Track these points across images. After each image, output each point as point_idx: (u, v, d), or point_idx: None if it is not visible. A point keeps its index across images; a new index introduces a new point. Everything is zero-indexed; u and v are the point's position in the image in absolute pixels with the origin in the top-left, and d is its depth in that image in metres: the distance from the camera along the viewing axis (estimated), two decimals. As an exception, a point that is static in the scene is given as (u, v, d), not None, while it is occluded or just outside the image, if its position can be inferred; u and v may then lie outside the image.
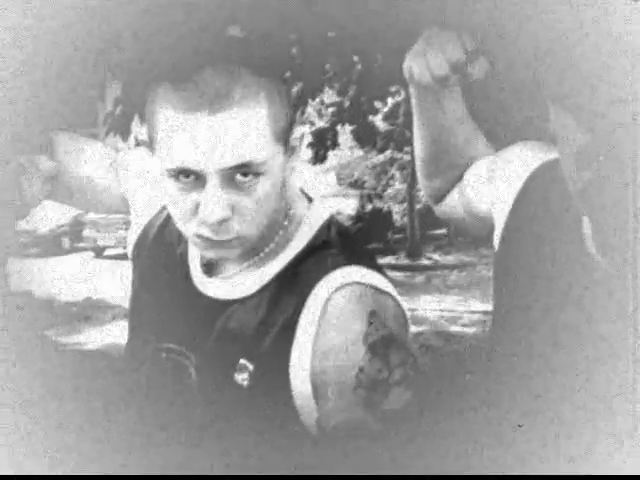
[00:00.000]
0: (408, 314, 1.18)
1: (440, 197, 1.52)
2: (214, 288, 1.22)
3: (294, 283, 1.16)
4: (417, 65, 1.29)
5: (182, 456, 1.16)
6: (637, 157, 1.03)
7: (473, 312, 9.34)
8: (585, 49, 1.02)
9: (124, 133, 5.48)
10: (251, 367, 1.13)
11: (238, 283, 1.20)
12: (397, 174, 22.05)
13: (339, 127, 7.32)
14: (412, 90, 1.40)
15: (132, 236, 1.39)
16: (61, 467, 1.22)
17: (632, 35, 1.01)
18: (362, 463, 1.07)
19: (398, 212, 20.82)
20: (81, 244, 17.62)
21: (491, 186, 1.36)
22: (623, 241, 1.08)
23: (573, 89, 1.04)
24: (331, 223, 1.23)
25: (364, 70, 5.81)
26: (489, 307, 1.41)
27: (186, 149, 1.05)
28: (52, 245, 17.59)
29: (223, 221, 1.08)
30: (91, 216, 16.77)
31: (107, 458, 1.22)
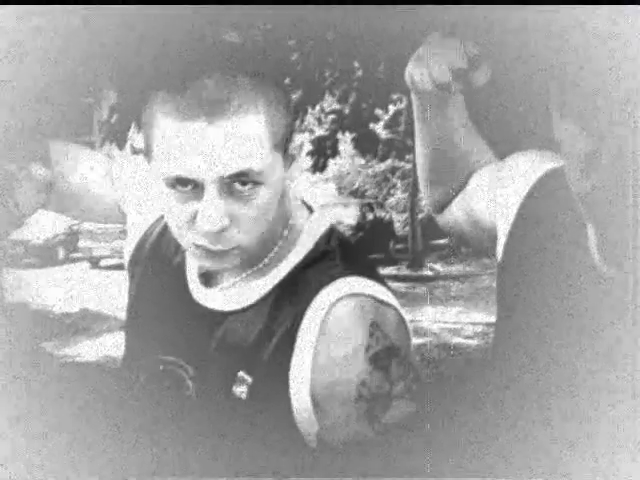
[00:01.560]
0: (410, 325, 1.18)
1: (442, 206, 1.52)
2: (212, 299, 1.22)
3: (294, 294, 1.15)
4: (419, 72, 1.30)
5: (179, 469, 1.16)
6: (642, 165, 1.03)
7: (476, 324, 9.33)
8: (589, 56, 1.03)
9: (120, 141, 5.48)
10: (250, 379, 1.13)
11: (237, 294, 1.20)
12: (398, 183, 22.09)
13: (339, 135, 7.31)
14: (414, 97, 1.40)
15: (129, 246, 1.39)
16: (55, 478, 1.22)
17: (637, 41, 1.02)
18: (362, 476, 1.07)
19: (400, 222, 20.85)
20: (76, 254, 17.63)
21: (494, 195, 1.36)
22: (628, 250, 1.08)
23: (577, 96, 1.04)
24: (331, 233, 1.23)
25: (365, 77, 5.81)
26: (492, 319, 1.40)
27: (183, 158, 1.05)
28: (47, 255, 17.59)
29: (221, 231, 1.08)
30: (87, 226, 16.79)
31: (103, 471, 1.22)
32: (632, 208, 1.05)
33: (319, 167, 7.33)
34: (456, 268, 16.29)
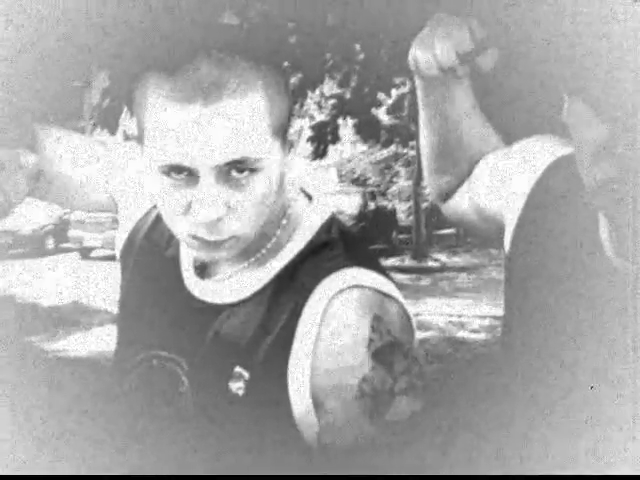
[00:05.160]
0: (413, 319, 1.18)
1: (447, 195, 1.52)
2: (207, 291, 1.22)
3: (292, 286, 1.15)
4: (423, 55, 1.29)
5: (174, 467, 1.16)
6: (657, 152, 1.03)
7: (483, 317, 9.34)
8: (603, 39, 1.02)
9: (112, 127, 5.46)
10: (247, 375, 1.13)
11: (233, 286, 1.20)
12: (402, 170, 22.09)
13: (340, 120, 7.30)
14: (418, 81, 1.40)
15: (121, 236, 1.39)
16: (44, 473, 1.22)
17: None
18: (364, 474, 1.07)
19: (403, 211, 20.86)
20: (66, 245, 17.65)
21: (501, 183, 1.36)
22: (638, 241, 1.08)
23: (590, 81, 1.04)
24: (332, 222, 1.23)
25: (367, 60, 5.80)
26: (499, 311, 1.41)
27: (178, 144, 1.05)
28: (35, 246, 17.61)
29: (217, 220, 1.08)
30: (77, 215, 16.79)
31: (94, 467, 1.22)
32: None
33: (319, 154, 7.32)
34: (462, 259, 16.32)
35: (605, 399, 1.14)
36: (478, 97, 1.43)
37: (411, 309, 1.18)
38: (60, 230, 18.01)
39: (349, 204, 18.07)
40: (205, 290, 1.22)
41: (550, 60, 1.10)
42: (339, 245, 1.19)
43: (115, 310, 1.39)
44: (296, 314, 1.12)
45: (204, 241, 1.11)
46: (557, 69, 1.09)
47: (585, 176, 1.11)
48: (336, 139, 7.44)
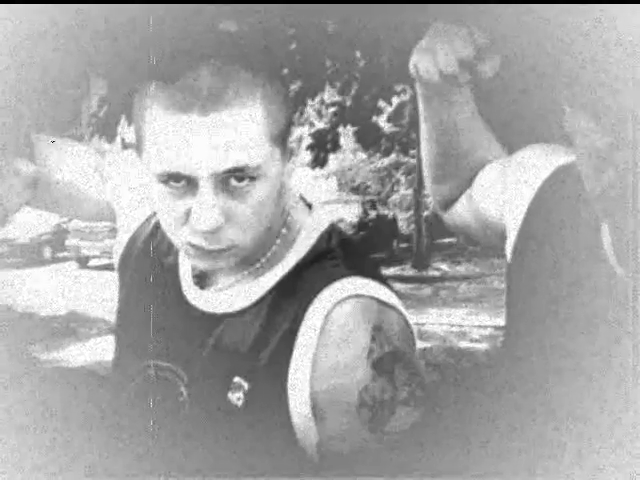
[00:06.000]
0: (414, 329, 1.18)
1: (448, 203, 1.52)
2: (206, 301, 1.22)
3: (292, 296, 1.15)
4: (424, 62, 1.29)
5: (173, 476, 1.16)
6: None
7: (484, 327, 9.33)
8: (604, 47, 1.03)
9: (110, 135, 5.47)
10: (246, 386, 1.13)
11: (232, 296, 1.20)
12: (403, 179, 22.08)
13: (340, 128, 7.30)
14: (419, 89, 1.40)
15: (119, 245, 1.39)
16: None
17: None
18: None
19: (404, 219, 20.84)
20: (64, 254, 17.63)
21: (503, 191, 1.36)
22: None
23: (592, 89, 1.04)
24: (332, 231, 1.23)
25: (367, 67, 5.80)
26: (501, 321, 1.40)
27: (176, 152, 1.05)
28: (33, 255, 17.59)
29: (216, 229, 1.08)
30: (75, 224, 16.79)
31: (92, 478, 1.22)
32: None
33: (319, 162, 7.33)
34: (463, 268, 16.30)
35: (607, 408, 1.14)
36: (479, 105, 1.44)
37: (412, 319, 1.18)
38: (57, 239, 18.01)
39: (349, 213, 18.08)
40: (204, 300, 1.22)
41: (551, 69, 1.11)
42: (339, 254, 1.20)
43: (113, 319, 1.39)
44: (296, 323, 1.12)
45: (203, 250, 1.11)
46: (558, 78, 1.09)
47: (588, 185, 1.11)
48: (336, 147, 7.44)
